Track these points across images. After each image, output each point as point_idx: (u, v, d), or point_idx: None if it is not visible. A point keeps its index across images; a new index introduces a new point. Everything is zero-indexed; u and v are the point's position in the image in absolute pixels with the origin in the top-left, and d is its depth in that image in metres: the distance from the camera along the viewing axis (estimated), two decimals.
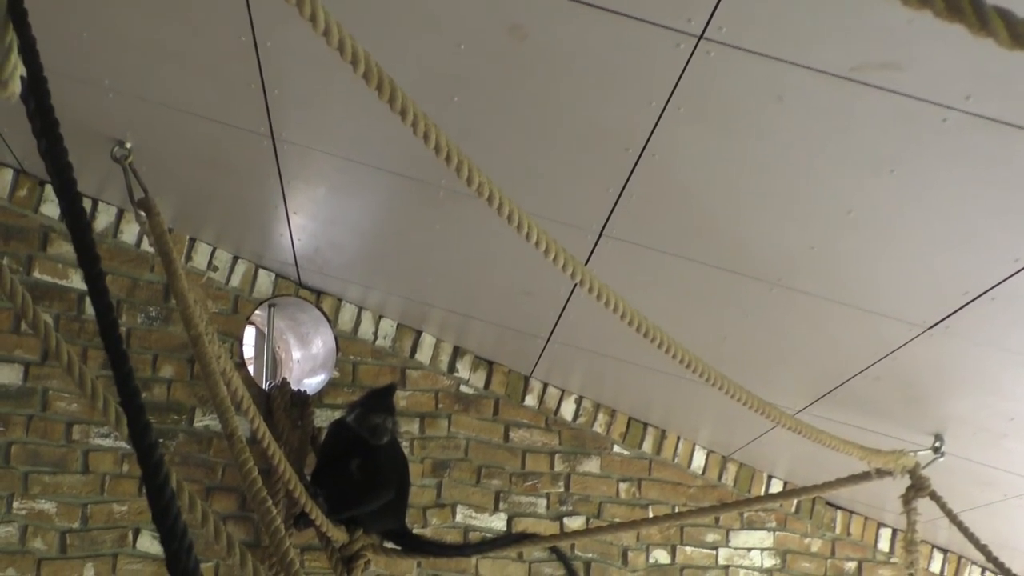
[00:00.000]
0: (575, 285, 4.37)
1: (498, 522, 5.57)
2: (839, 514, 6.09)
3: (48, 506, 4.92)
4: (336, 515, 4.76)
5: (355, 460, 4.85)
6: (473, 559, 5.43)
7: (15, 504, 4.88)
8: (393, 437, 4.93)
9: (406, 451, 5.29)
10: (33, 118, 1.72)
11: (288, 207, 4.70)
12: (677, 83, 3.22)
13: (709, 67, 3.11)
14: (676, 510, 5.76)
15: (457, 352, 5.65)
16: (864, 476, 4.86)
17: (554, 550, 5.48)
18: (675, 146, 3.53)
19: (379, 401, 4.85)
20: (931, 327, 4.09)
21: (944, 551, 6.20)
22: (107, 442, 5.01)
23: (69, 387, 4.91)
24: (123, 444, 4.97)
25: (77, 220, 1.68)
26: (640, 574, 5.71)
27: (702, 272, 4.19)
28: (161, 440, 4.92)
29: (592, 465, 5.76)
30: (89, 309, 5.04)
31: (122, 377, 1.63)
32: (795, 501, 6.00)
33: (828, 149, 3.34)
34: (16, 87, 1.68)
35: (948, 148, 3.16)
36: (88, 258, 1.65)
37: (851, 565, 6.06)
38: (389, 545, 5.06)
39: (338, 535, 4.76)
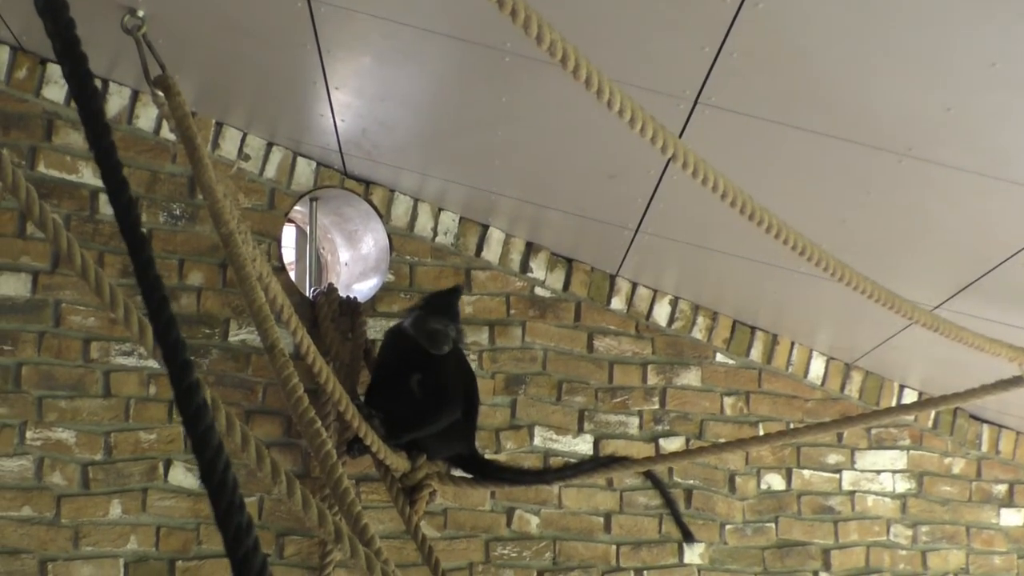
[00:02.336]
0: (668, 162, 4.36)
1: (583, 445, 5.62)
2: (986, 428, 6.08)
3: (66, 435, 5.03)
4: (395, 440, 4.83)
5: (415, 375, 4.91)
6: (555, 487, 5.50)
7: (28, 434, 4.99)
8: (457, 347, 4.97)
9: (473, 365, 5.33)
10: None
11: (328, 82, 4.72)
12: None
13: None
14: (791, 427, 5.77)
15: (531, 248, 5.67)
16: (1015, 381, 4.82)
17: (648, 476, 5.52)
18: None
19: (441, 305, 4.89)
20: None
21: None
22: (130, 361, 5.11)
23: (85, 298, 5.00)
24: (149, 363, 5.06)
25: (89, 102, 1.71)
26: (750, 502, 5.75)
27: (817, 143, 4.16)
28: (192, 358, 5.00)
29: (691, 377, 5.79)
30: (104, 208, 5.12)
31: (143, 270, 1.67)
32: (932, 414, 5.99)
33: None
34: None
35: None
36: (102, 143, 1.69)
37: (1000, 488, 6.06)
38: (457, 473, 5.13)
39: (398, 463, 4.83)
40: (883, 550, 5.86)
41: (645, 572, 5.57)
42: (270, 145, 5.39)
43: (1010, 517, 6.05)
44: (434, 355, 4.87)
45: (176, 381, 1.63)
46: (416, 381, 4.91)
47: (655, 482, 5.52)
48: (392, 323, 5.29)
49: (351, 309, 5.38)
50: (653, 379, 5.74)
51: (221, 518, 1.56)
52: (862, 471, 5.92)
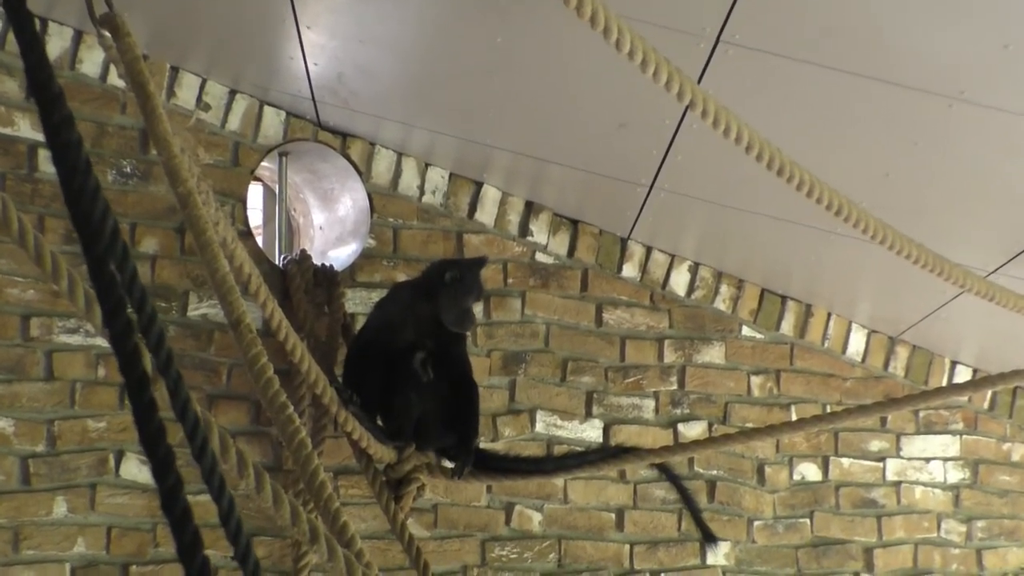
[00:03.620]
0: (685, 110, 4.36)
1: (591, 431, 5.64)
2: None
3: (3, 424, 5.02)
4: (400, 435, 4.87)
5: (418, 353, 4.90)
6: (560, 480, 5.51)
7: None
8: None
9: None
10: None
11: (299, 19, 4.71)
12: None
13: None
14: (828, 410, 5.78)
15: (530, 209, 5.67)
16: None
17: (662, 470, 5.51)
18: None
19: (473, 281, 4.87)
20: None
21: None
22: (76, 339, 5.10)
23: (23, 268, 4.98)
24: (97, 341, 5.05)
25: (30, 43, 1.71)
26: (782, 495, 5.76)
27: (856, 87, 4.16)
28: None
29: (714, 354, 5.80)
30: (44, 165, 5.11)
31: (90, 238, 1.67)
32: (988, 394, 6.00)
33: None
34: None
35: None
36: (44, 88, 1.69)
37: None
38: (448, 464, 5.14)
39: (382, 453, 4.83)
40: (933, 548, 5.88)
41: (663, 575, 5.58)
42: (233, 93, 5.39)
43: None
44: (450, 331, 4.90)
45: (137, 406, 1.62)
46: (420, 360, 4.90)
47: (669, 476, 5.52)
48: (374, 295, 5.29)
49: (327, 279, 5.38)
50: (671, 356, 5.75)
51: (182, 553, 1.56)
52: (909, 459, 5.93)
